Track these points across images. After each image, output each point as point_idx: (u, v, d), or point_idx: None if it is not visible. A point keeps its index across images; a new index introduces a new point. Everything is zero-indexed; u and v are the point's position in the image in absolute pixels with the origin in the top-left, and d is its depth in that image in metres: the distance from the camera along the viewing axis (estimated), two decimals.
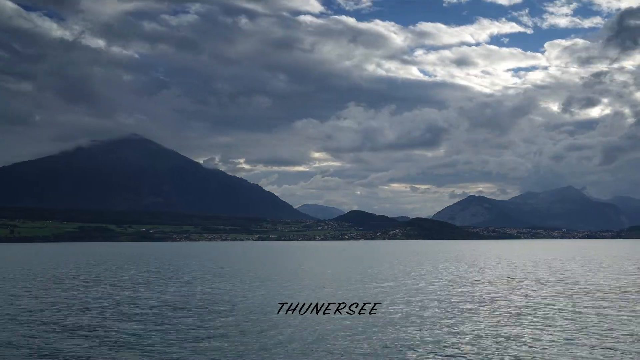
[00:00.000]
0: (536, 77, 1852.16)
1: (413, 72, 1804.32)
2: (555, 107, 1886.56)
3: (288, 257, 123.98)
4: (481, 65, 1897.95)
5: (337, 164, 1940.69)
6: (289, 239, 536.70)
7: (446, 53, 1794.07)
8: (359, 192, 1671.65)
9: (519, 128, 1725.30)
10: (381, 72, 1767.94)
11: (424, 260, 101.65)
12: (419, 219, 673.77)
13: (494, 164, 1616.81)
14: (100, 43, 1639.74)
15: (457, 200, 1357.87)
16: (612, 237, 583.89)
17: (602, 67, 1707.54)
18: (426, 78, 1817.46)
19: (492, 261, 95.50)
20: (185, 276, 61.70)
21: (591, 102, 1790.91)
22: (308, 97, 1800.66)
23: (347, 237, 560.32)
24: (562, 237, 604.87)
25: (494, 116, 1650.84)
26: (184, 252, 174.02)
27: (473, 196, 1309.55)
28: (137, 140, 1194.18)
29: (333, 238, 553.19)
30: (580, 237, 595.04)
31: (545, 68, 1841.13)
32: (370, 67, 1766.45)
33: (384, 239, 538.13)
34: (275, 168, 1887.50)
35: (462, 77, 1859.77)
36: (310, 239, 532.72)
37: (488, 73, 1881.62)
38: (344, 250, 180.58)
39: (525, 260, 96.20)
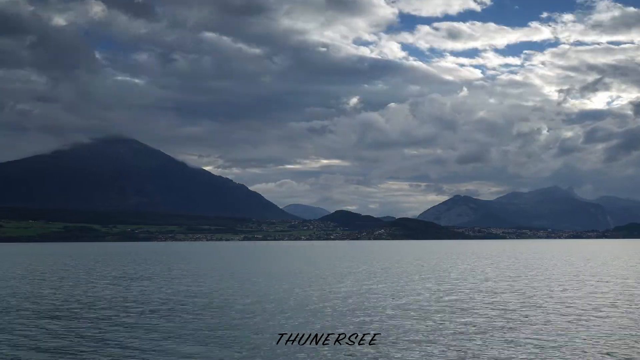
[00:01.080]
0: (537, 58, 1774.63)
1: (401, 53, 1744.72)
2: (554, 95, 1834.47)
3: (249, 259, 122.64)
4: (479, 42, 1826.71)
5: (328, 161, 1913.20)
6: (275, 239, 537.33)
7: (438, 26, 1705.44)
8: (353, 191, 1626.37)
9: (517, 121, 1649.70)
10: (364, 50, 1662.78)
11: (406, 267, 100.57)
12: (404, 219, 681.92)
13: (493, 162, 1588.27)
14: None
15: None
16: (598, 237, 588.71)
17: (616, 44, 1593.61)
18: (416, 60, 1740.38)
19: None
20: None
21: (596, 89, 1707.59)
22: (291, 82, 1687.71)
23: (332, 237, 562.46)
24: (548, 237, 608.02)
25: (490, 107, 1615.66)
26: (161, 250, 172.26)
27: (459, 196, 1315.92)
28: (122, 140, 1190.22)
29: (318, 238, 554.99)
30: (566, 237, 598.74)
31: (548, 46, 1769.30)
32: (351, 45, 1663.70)
33: (369, 239, 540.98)
34: (261, 165, 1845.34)
35: (457, 61, 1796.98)
36: (295, 239, 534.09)
37: (482, 53, 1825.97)
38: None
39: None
